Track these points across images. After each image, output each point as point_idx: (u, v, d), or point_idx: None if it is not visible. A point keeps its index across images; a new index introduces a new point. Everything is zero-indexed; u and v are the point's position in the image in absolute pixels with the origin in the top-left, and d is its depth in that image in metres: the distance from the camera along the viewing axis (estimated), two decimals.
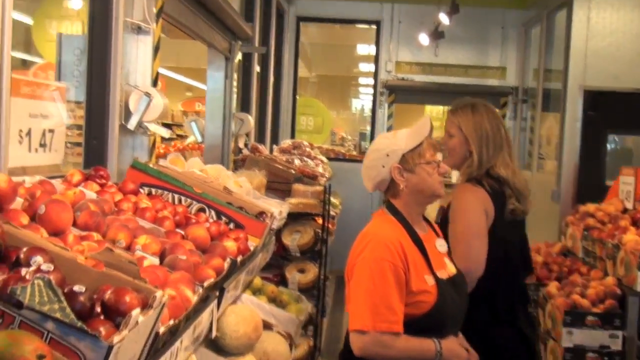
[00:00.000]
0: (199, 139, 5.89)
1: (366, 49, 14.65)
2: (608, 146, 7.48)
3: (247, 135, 6.38)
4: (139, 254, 2.04)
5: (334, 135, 14.19)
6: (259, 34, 7.45)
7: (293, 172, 5.70)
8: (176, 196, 2.98)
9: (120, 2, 3.39)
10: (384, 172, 2.52)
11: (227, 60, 5.80)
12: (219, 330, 2.54)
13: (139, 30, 3.61)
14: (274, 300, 3.37)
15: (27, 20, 8.66)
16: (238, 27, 5.51)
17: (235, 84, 6.11)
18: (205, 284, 2.04)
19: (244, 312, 2.58)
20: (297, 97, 10.31)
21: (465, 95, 9.44)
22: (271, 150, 7.21)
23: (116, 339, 1.22)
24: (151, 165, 3.12)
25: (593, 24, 7.13)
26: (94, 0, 3.37)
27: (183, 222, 2.67)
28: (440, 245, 2.65)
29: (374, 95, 9.79)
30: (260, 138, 7.82)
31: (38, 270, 1.32)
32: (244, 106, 6.81)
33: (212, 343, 2.57)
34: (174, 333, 1.75)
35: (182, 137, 12.03)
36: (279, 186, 5.45)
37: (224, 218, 2.97)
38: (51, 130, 2.96)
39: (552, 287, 4.76)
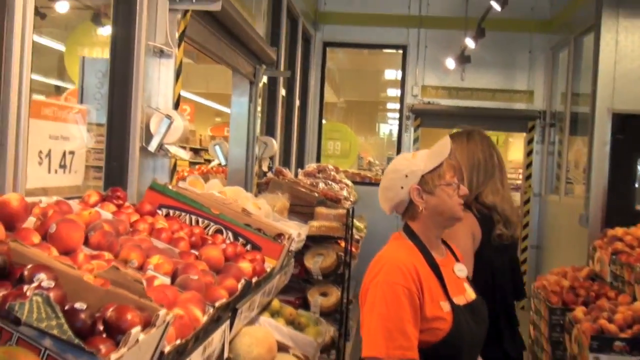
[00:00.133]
0: (223, 162, 5.92)
1: (393, 74, 14.70)
2: (638, 169, 7.37)
3: (271, 158, 6.39)
4: (150, 273, 2.04)
5: (361, 159, 14.17)
6: (285, 58, 7.50)
7: (316, 195, 5.70)
8: (193, 217, 2.98)
9: (143, 26, 3.43)
10: (402, 193, 2.46)
11: (251, 84, 5.83)
12: (233, 351, 2.52)
13: (161, 53, 3.64)
14: (292, 322, 3.34)
15: (60, 47, 8.84)
16: (262, 51, 5.55)
17: (260, 108, 6.15)
18: (217, 304, 2.03)
19: (258, 333, 2.56)
20: (325, 122, 10.34)
21: (493, 119, 9.45)
22: (296, 174, 7.22)
23: (113, 356, 1.21)
24: (170, 187, 3.13)
25: (621, 47, 7.07)
26: (117, 23, 3.41)
27: (199, 243, 2.67)
28: (460, 270, 2.58)
29: (400, 119, 9.79)
30: (286, 162, 7.85)
31: (39, 287, 1.32)
32: (269, 130, 6.84)
33: None
34: (181, 353, 1.74)
35: (209, 161, 12.12)
36: (302, 209, 5.44)
37: (241, 239, 2.96)
38: (71, 152, 2.99)
39: (579, 311, 4.68)
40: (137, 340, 1.32)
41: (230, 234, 2.97)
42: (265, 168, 6.03)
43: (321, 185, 6.70)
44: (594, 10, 7.21)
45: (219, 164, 6.63)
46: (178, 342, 1.67)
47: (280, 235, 3.12)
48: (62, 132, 2.93)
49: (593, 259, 5.68)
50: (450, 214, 2.50)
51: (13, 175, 2.37)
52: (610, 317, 4.40)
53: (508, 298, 3.15)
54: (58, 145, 2.90)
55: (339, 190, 6.75)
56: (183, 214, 2.99)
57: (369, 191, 8.82)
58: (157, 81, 3.67)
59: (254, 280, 2.51)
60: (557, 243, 8.71)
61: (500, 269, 3.08)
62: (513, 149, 18.82)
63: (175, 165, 3.81)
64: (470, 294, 2.54)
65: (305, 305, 5.05)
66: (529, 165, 9.66)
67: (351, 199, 6.81)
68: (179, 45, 3.75)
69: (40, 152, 2.77)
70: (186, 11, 3.74)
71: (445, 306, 2.36)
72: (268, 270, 2.78)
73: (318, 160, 9.64)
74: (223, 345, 2.18)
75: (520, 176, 10.81)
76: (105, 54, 5.69)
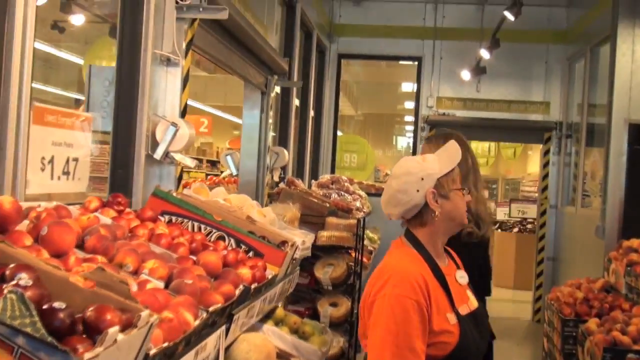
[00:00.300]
0: (234, 172, 5.93)
1: (410, 86, 14.68)
2: None
3: (283, 168, 6.39)
4: (144, 277, 2.03)
5: (378, 172, 14.14)
6: (299, 69, 7.52)
7: (327, 205, 5.68)
8: (196, 224, 2.97)
9: (150, 34, 3.44)
10: (417, 197, 2.35)
11: (262, 95, 5.84)
12: (230, 357, 2.50)
13: (168, 62, 3.65)
14: (296, 331, 3.31)
15: (80, 61, 8.93)
16: (273, 61, 5.56)
17: (272, 119, 6.16)
18: (211, 309, 2.01)
19: (256, 340, 2.54)
20: (341, 134, 10.33)
21: (508, 130, 9.39)
22: (309, 186, 7.21)
23: (87, 355, 1.20)
24: (174, 194, 3.13)
25: (637, 57, 7.00)
26: (124, 31, 3.42)
27: (200, 249, 2.65)
28: (461, 277, 2.51)
29: (415, 130, 9.77)
30: (299, 173, 7.84)
31: (16, 285, 1.31)
32: (282, 140, 6.85)
33: None
34: (170, 356, 1.72)
35: (233, 176, 12.18)
36: (313, 219, 5.43)
37: (243, 246, 2.95)
38: (75, 159, 2.99)
39: (592, 323, 4.61)
40: (115, 340, 1.30)
41: (232, 241, 2.95)
42: (276, 178, 6.02)
43: (334, 195, 6.68)
44: (610, 21, 7.16)
45: (231, 174, 6.64)
46: (165, 345, 1.65)
47: (284, 242, 3.10)
48: (66, 139, 2.93)
49: (608, 271, 5.60)
50: (460, 220, 2.45)
51: (12, 180, 2.38)
52: (623, 328, 4.33)
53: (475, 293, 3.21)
54: (61, 152, 2.90)
55: (351, 201, 6.71)
56: (185, 220, 2.99)
57: None
58: (164, 89, 3.68)
59: (253, 286, 2.49)
60: (573, 255, 8.61)
61: (467, 265, 3.11)
62: (532, 162, 18.71)
63: (181, 173, 3.81)
64: (473, 302, 2.48)
65: (315, 315, 5.03)
66: (545, 176, 9.58)
67: (365, 210, 6.78)
68: (186, 54, 3.76)
69: (43, 158, 2.77)
70: (193, 20, 3.75)
71: (452, 318, 2.29)
72: (269, 277, 2.76)
73: (332, 171, 9.62)
74: (218, 351, 2.16)
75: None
76: None
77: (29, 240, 1.87)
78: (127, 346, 1.38)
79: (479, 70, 8.85)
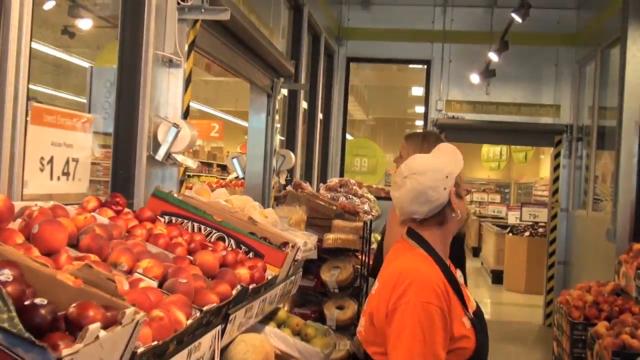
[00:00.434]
0: (241, 175, 5.91)
1: (421, 90, 14.66)
2: None
3: (290, 171, 6.37)
4: (137, 276, 2.00)
5: (389, 176, 14.10)
6: (307, 73, 7.50)
7: (334, 208, 5.65)
8: (196, 225, 2.95)
9: (151, 35, 3.43)
10: (444, 195, 2.28)
11: (269, 98, 5.82)
12: (228, 358, 2.47)
13: (170, 63, 3.64)
14: (298, 333, 3.28)
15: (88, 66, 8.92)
16: (279, 63, 5.54)
17: (279, 124, 6.14)
18: (205, 308, 1.98)
19: (254, 340, 2.51)
20: (352, 138, 10.29)
21: (518, 133, 9.32)
22: (317, 189, 7.18)
23: (65, 351, 1.17)
24: (175, 195, 3.11)
25: None
26: (124, 32, 3.41)
27: (198, 249, 2.63)
28: (460, 276, 2.47)
29: None
30: (307, 176, 7.82)
31: None
32: (289, 143, 6.83)
33: None
34: (160, 355, 1.70)
35: (239, 179, 12.18)
36: (319, 222, 5.40)
37: (243, 247, 2.92)
38: (75, 159, 2.98)
39: (601, 326, 4.55)
40: (97, 337, 1.27)
41: (232, 242, 2.93)
42: (282, 181, 6.00)
43: (342, 199, 6.65)
44: (620, 23, 7.10)
45: (237, 177, 6.63)
46: (154, 343, 1.63)
47: (285, 244, 3.07)
48: (66, 140, 2.92)
49: (619, 274, 5.54)
50: (464, 220, 2.40)
51: (8, 180, 2.36)
52: (633, 332, 4.26)
53: None
54: (61, 152, 2.89)
55: (359, 204, 6.69)
56: (185, 221, 2.96)
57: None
58: (166, 91, 3.67)
59: (251, 287, 2.46)
60: (584, 259, 8.54)
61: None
62: (544, 166, 18.62)
63: (184, 174, 3.80)
64: (473, 302, 2.44)
65: (321, 318, 4.98)
66: (555, 180, 9.51)
67: (373, 213, 6.74)
68: (188, 55, 3.75)
69: (42, 158, 2.76)
70: (195, 21, 3.74)
71: (467, 322, 2.24)
72: (269, 278, 2.73)
73: (341, 175, 9.59)
74: (214, 351, 2.13)
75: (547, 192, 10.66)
76: None
77: (20, 238, 1.85)
78: (110, 343, 1.35)
79: (489, 73, 8.80)
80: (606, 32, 7.97)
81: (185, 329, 1.81)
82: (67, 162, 2.94)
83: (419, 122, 18.09)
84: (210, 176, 13.77)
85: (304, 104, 7.29)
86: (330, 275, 5.01)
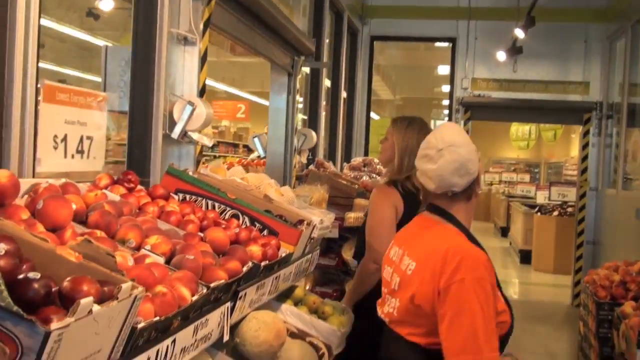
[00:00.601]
0: (262, 154, 5.89)
1: (447, 69, 14.52)
2: None
3: (312, 150, 6.33)
4: (144, 252, 1.99)
5: None
6: (330, 51, 7.43)
7: (356, 187, 5.61)
8: (210, 202, 2.93)
9: (165, 13, 3.40)
10: (477, 168, 2.31)
11: (289, 77, 5.78)
12: (239, 335, 2.45)
13: (185, 40, 3.61)
14: (315, 311, 3.26)
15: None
16: (299, 42, 5.49)
17: (301, 99, 6.09)
18: (212, 284, 1.96)
19: (266, 317, 2.49)
20: (378, 117, 10.20)
21: (546, 111, 9.16)
22: (341, 169, 7.14)
23: (54, 325, 1.15)
24: (190, 173, 3.09)
25: None
26: (138, 10, 3.39)
27: (211, 226, 2.61)
28: None
29: (450, 112, 9.61)
30: (331, 155, 7.78)
31: None
32: (311, 122, 6.78)
33: (235, 350, 2.48)
34: (164, 331, 1.68)
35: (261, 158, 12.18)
36: (341, 201, 5.38)
37: (257, 225, 2.90)
38: (89, 137, 2.97)
39: (627, 306, 4.47)
40: (90, 311, 1.25)
41: (247, 219, 2.91)
42: (304, 160, 5.97)
43: (365, 178, 6.60)
44: None
45: (259, 157, 6.62)
46: (156, 319, 1.61)
47: (301, 221, 3.04)
48: (80, 118, 2.91)
49: None
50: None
51: (18, 158, 2.36)
52: None
53: None
54: (75, 130, 2.88)
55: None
56: (199, 198, 2.95)
57: None
58: (181, 69, 3.64)
59: (263, 264, 2.44)
60: (613, 238, 8.40)
61: None
62: (574, 145, 18.33)
63: (201, 152, 3.78)
64: None
65: (343, 297, 4.96)
66: (584, 158, 9.34)
67: None
68: (204, 33, 3.72)
69: (56, 136, 2.75)
70: None
71: (501, 297, 2.28)
72: (283, 255, 2.71)
73: (366, 154, 9.53)
74: (222, 327, 2.11)
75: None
76: None
77: (25, 214, 1.84)
78: (106, 318, 1.33)
79: (515, 50, 8.65)
80: (636, 7, 7.79)
81: (190, 305, 1.79)
82: (82, 140, 2.93)
83: (446, 102, 17.98)
84: (237, 157, 13.80)
85: (327, 82, 7.23)
86: (352, 254, 4.97)
